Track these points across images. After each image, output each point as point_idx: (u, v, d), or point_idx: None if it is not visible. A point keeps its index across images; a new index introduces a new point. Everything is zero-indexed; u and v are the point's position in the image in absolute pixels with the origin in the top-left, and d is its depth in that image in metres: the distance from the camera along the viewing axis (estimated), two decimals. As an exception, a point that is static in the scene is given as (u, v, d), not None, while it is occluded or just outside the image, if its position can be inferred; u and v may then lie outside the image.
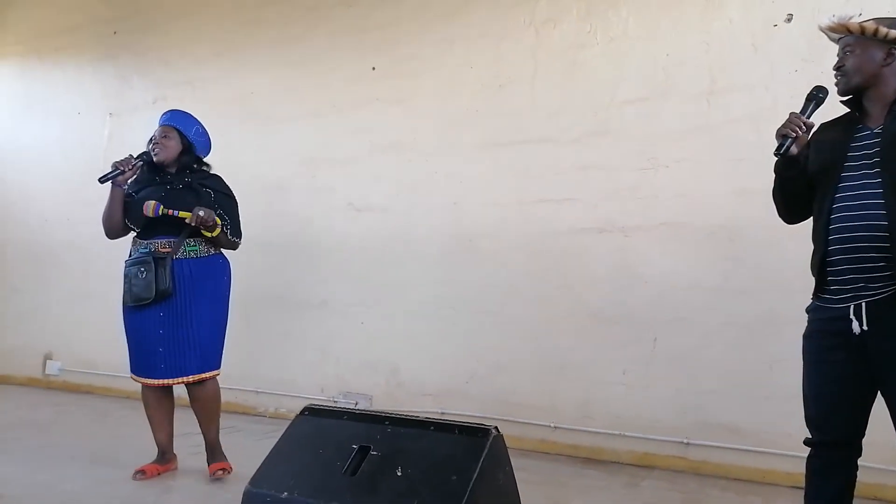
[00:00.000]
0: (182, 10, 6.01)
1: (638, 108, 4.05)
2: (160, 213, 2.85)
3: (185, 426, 3.14)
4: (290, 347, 4.97)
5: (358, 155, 4.95)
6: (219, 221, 2.91)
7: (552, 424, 4.00)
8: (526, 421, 4.05)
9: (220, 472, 2.91)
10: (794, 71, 3.57)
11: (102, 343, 5.77)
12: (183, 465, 3.12)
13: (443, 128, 4.67)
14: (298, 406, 2.11)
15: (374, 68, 5.01)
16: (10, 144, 7.01)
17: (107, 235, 3.13)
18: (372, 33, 5.02)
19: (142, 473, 2.91)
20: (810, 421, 2.03)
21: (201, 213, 2.80)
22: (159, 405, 3.02)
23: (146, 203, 2.87)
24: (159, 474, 2.96)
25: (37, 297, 6.36)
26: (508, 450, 1.91)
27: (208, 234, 2.92)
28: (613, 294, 3.97)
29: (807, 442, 2.05)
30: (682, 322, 3.77)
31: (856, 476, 2.02)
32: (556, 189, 4.21)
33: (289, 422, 2.12)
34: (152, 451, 3.04)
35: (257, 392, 4.95)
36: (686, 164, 3.88)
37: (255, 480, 1.92)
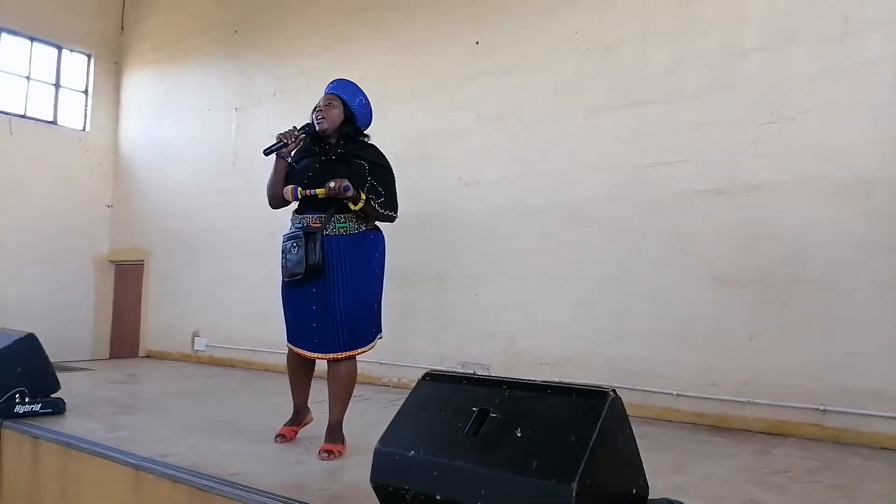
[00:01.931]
0: (293, 7, 6.32)
1: (759, 57, 3.80)
2: (298, 195, 2.85)
3: (322, 395, 3.28)
4: (409, 320, 5.16)
5: (466, 129, 5.01)
6: (362, 195, 2.81)
7: (675, 392, 3.90)
8: (647, 389, 3.98)
9: (325, 455, 2.82)
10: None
11: (241, 321, 6.31)
12: (319, 431, 3.35)
13: (550, 96, 4.62)
14: (418, 376, 2.22)
15: (477, 42, 5.02)
16: (153, 142, 7.73)
17: (270, 205, 3.10)
18: (473, 8, 5.04)
19: (282, 437, 3.14)
20: None
21: (332, 184, 2.75)
22: (302, 368, 3.11)
23: (285, 188, 2.90)
24: (296, 435, 3.20)
25: (184, 281, 7.02)
26: (630, 418, 1.90)
27: (353, 207, 2.82)
28: (738, 256, 3.79)
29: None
30: (816, 282, 3.54)
31: None
32: (671, 150, 4.06)
33: (410, 391, 2.20)
34: (290, 416, 3.28)
35: (381, 363, 5.20)
36: (815, 115, 3.61)
37: (383, 440, 2.04)
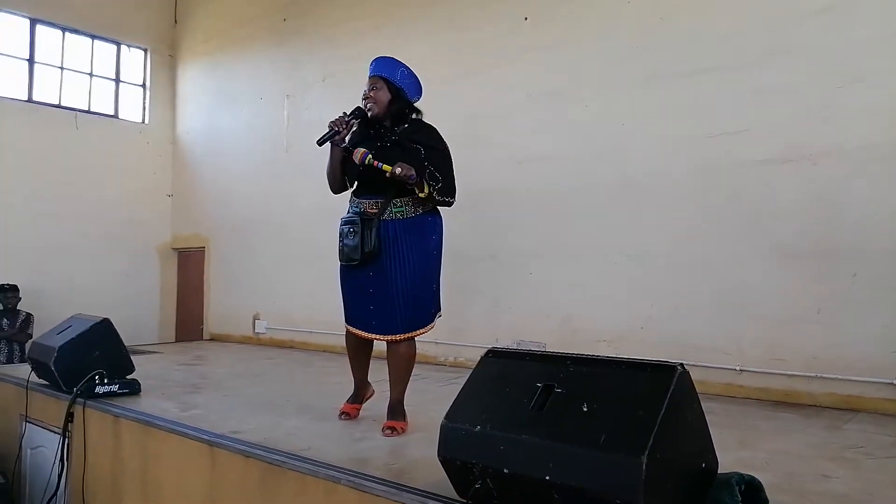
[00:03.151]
0: (340, -10, 6.35)
1: (822, 19, 3.64)
2: (367, 161, 2.82)
3: (382, 373, 3.34)
4: (464, 300, 5.18)
5: (517, 107, 4.97)
6: (426, 187, 2.82)
7: (738, 367, 3.83)
8: (708, 364, 3.91)
9: (389, 432, 2.86)
10: None
11: (300, 303, 6.46)
12: (381, 408, 3.42)
13: (601, 69, 4.53)
14: (474, 355, 2.24)
15: (526, 18, 4.96)
16: (209, 132, 7.94)
17: (331, 191, 3.14)
18: (521, -17, 4.97)
19: (346, 415, 3.22)
20: None
21: (398, 170, 2.74)
22: (360, 348, 3.16)
23: (356, 150, 2.88)
24: (358, 413, 3.28)
25: (243, 266, 7.23)
26: (692, 392, 1.88)
27: (420, 194, 2.83)
28: (803, 227, 3.67)
29: None
30: (886, 253, 3.40)
31: None
32: (730, 119, 3.94)
33: (467, 370, 2.21)
34: (350, 392, 3.36)
35: (436, 343, 5.25)
36: (882, 77, 3.45)
37: (450, 416, 2.08)
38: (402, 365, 3.00)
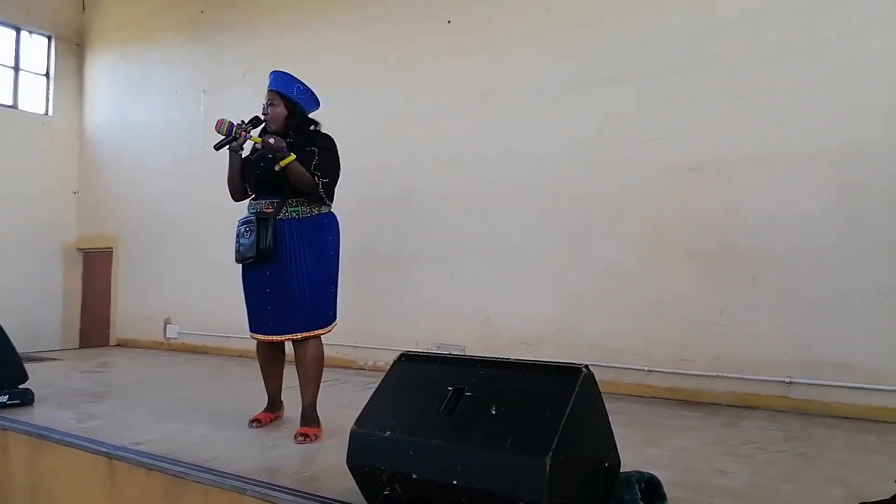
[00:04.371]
0: (262, -17, 6.18)
1: (730, 33, 3.83)
2: (234, 132, 2.89)
3: (295, 380, 3.31)
4: (385, 303, 5.15)
5: (441, 108, 4.99)
6: (292, 156, 2.84)
7: (647, 368, 3.97)
8: (619, 365, 4.04)
9: (301, 439, 2.82)
10: (904, -22, 3.26)
11: (214, 307, 6.23)
12: (295, 414, 3.35)
13: (523, 73, 4.61)
14: (394, 358, 2.22)
15: (449, 21, 4.98)
16: (119, 126, 7.55)
17: (232, 198, 3.20)
18: (446, -15, 4.99)
19: (257, 422, 3.14)
20: None
21: (270, 140, 2.82)
22: (271, 358, 3.17)
23: (218, 120, 2.94)
24: (271, 421, 3.20)
25: (154, 268, 6.92)
26: (603, 395, 1.94)
27: (281, 165, 2.84)
28: (710, 232, 3.85)
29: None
30: (784, 256, 3.61)
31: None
32: (644, 126, 4.09)
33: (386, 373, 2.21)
34: (263, 401, 3.28)
35: (356, 347, 5.20)
36: (785, 90, 3.66)
37: (359, 421, 2.05)
38: (311, 366, 2.99)
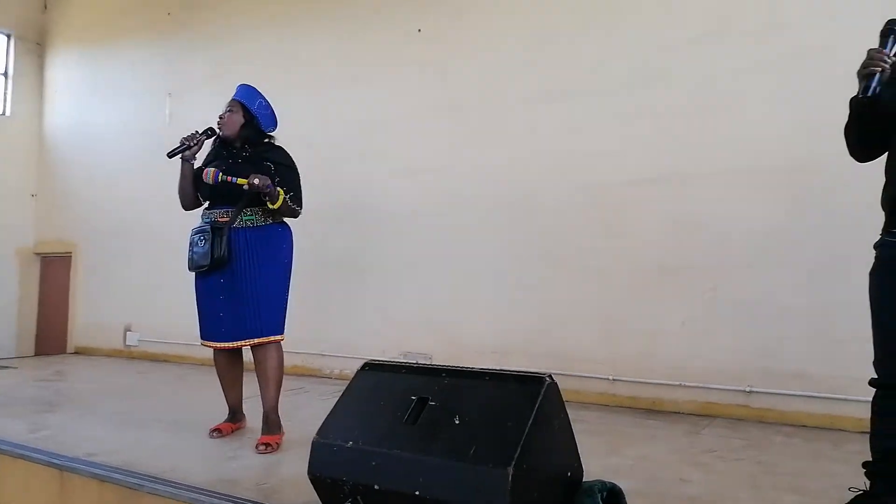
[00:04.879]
0: (230, -13, 6.12)
1: (688, 50, 3.91)
2: (220, 179, 2.89)
3: (256, 389, 3.27)
4: (351, 311, 5.11)
5: (409, 117, 4.98)
6: (281, 193, 2.91)
7: (611, 377, 4.01)
8: (585, 375, 4.07)
9: (263, 448, 2.79)
10: (859, -1, 3.37)
11: (176, 314, 6.07)
12: (256, 424, 3.29)
13: (492, 84, 4.64)
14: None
15: (419, 30, 4.99)
16: (81, 128, 7.37)
17: (183, 207, 3.22)
18: (415, -5, 5.01)
19: (218, 432, 3.08)
20: (879, 360, 1.97)
21: (256, 180, 2.82)
22: (229, 367, 3.15)
23: (206, 170, 2.95)
24: (233, 431, 3.14)
25: (115, 274, 6.74)
26: (568, 404, 1.94)
27: (272, 206, 2.90)
28: (672, 244, 3.91)
29: (872, 382, 1.99)
30: (744, 269, 3.68)
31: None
32: (609, 139, 4.14)
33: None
34: (225, 411, 3.22)
35: (322, 355, 5.14)
36: (740, 107, 3.75)
37: (321, 432, 2.02)
38: (270, 372, 3.00)
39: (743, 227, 3.71)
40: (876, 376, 1.99)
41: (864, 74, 1.90)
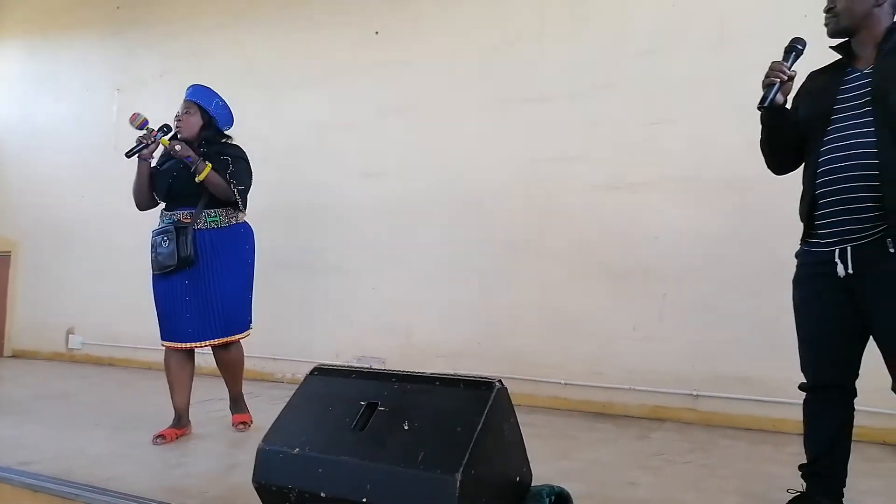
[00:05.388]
0: (184, -20, 5.97)
1: (645, 61, 3.99)
2: (145, 128, 3.00)
3: (204, 394, 3.24)
4: (305, 314, 5.03)
5: (365, 119, 4.94)
6: (208, 167, 2.96)
7: (563, 381, 4.04)
8: (537, 379, 4.09)
9: (241, 426, 3.13)
10: (803, 16, 3.48)
11: (122, 317, 5.90)
12: (203, 430, 3.22)
13: (449, 88, 4.63)
14: (315, 371, 2.16)
15: (377, 32, 4.96)
16: (23, 124, 7.07)
17: (137, 207, 3.23)
18: (374, -5, 4.98)
19: (162, 438, 3.00)
20: (804, 365, 2.05)
21: (178, 146, 2.92)
22: (180, 370, 3.13)
23: (135, 115, 3.05)
24: (178, 438, 3.05)
25: (58, 274, 6.49)
26: (520, 407, 1.95)
27: (197, 179, 2.95)
28: (624, 250, 3.97)
29: (801, 387, 2.07)
30: (693, 275, 3.76)
31: (853, 417, 2.03)
32: (565, 146, 4.18)
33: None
34: (169, 418, 3.13)
35: (275, 359, 5.05)
36: (693, 118, 3.83)
37: (267, 438, 1.97)
38: (235, 363, 3.19)
39: (692, 234, 3.79)
40: (804, 381, 2.06)
41: (765, 85, 1.99)
